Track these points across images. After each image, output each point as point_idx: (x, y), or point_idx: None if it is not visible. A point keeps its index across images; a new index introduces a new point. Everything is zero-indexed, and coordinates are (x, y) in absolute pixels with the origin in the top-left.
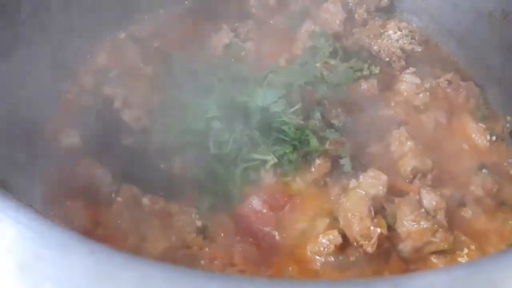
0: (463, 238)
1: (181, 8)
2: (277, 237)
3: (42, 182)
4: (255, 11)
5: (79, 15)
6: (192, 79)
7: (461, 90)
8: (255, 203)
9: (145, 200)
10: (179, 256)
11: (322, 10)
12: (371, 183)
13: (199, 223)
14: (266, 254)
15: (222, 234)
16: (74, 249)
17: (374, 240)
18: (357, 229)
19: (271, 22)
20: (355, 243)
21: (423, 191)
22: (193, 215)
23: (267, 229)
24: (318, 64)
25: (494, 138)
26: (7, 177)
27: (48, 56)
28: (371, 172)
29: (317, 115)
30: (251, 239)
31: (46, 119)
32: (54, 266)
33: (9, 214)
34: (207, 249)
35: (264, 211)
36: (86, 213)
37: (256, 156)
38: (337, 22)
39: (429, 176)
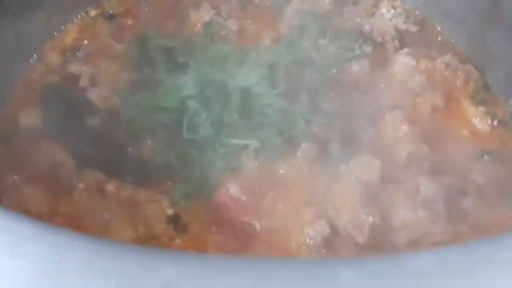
0: (463, 229)
1: None
2: (258, 228)
3: None
4: None
5: None
6: (167, 58)
7: (459, 73)
8: (234, 189)
9: (110, 187)
10: None
11: None
12: (363, 169)
13: (170, 212)
14: (245, 247)
15: (196, 224)
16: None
17: (365, 230)
18: (347, 218)
19: (256, 0)
20: (344, 234)
21: (420, 178)
22: (164, 203)
23: (247, 218)
24: (305, 44)
25: (495, 122)
26: None
27: (8, 30)
28: (363, 157)
29: (304, 97)
30: (228, 230)
31: (7, 99)
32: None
33: None
34: (178, 240)
35: (244, 198)
36: (44, 200)
37: (236, 141)
38: (327, 0)
39: (427, 163)
